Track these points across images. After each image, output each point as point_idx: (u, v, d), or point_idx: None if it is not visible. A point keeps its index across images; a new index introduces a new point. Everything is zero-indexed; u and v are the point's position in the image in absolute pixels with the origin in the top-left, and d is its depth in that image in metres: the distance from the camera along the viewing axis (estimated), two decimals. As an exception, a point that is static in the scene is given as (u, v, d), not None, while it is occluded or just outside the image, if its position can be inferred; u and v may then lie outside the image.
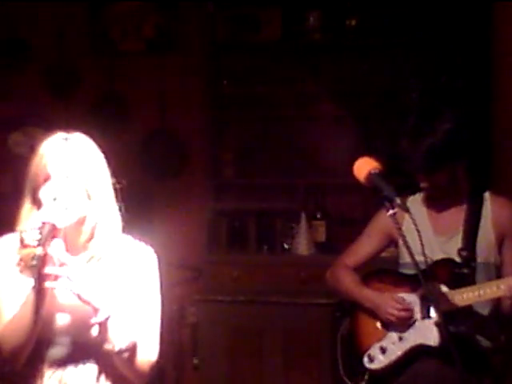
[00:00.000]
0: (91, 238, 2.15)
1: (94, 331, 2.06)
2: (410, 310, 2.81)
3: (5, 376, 2.15)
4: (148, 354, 2.16)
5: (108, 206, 2.17)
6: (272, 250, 4.72)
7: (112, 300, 2.07)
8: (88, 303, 2.01)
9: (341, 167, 4.17)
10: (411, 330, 2.81)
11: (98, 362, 2.13)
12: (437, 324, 2.71)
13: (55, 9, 4.86)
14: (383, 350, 2.85)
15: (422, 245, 2.32)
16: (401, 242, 2.89)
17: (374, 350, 2.88)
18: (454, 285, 2.71)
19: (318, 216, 4.65)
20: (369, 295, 2.92)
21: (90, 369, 2.13)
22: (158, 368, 4.56)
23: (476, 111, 4.22)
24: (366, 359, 2.89)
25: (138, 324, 2.12)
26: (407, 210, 2.33)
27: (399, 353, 2.82)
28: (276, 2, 4.72)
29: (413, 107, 4.42)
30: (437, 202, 2.89)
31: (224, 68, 4.83)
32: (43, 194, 2.08)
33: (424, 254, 2.36)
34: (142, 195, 4.79)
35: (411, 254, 2.25)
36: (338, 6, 4.65)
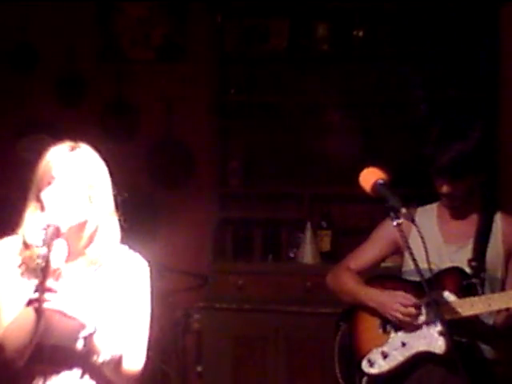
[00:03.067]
0: (89, 243, 2.21)
1: (79, 343, 2.11)
2: (417, 307, 2.77)
3: (4, 376, 2.18)
4: (134, 364, 2.20)
5: (108, 214, 2.23)
6: (277, 259, 4.73)
7: (101, 310, 2.13)
8: (74, 319, 2.05)
9: (347, 177, 4.17)
10: (415, 337, 2.80)
11: (83, 368, 2.16)
12: (441, 332, 2.72)
13: (65, 17, 4.90)
14: (384, 355, 2.82)
15: (426, 254, 2.33)
16: (406, 251, 2.90)
17: (375, 355, 2.85)
18: (462, 294, 2.70)
19: (324, 225, 4.66)
20: (373, 294, 2.89)
21: (74, 373, 2.16)
22: (162, 374, 4.58)
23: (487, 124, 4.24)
24: (364, 363, 2.86)
25: (125, 334, 2.17)
26: (412, 220, 2.33)
27: (401, 358, 2.79)
28: (284, 13, 4.75)
29: (423, 118, 4.47)
30: (449, 212, 2.89)
31: (231, 77, 4.86)
32: (46, 196, 2.14)
33: (429, 264, 2.37)
34: (148, 203, 4.82)
35: (416, 264, 2.27)
36: (346, 18, 4.67)
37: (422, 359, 2.77)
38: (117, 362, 2.12)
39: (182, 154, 4.91)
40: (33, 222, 2.15)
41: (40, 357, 2.14)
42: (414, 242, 2.41)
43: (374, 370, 2.85)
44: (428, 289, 2.31)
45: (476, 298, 2.69)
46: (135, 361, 2.21)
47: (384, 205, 2.34)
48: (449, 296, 2.73)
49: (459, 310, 2.68)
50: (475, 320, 2.73)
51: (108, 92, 4.92)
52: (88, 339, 2.08)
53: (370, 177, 2.43)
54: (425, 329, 2.78)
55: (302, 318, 4.29)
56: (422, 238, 2.31)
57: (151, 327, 2.28)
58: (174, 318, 4.61)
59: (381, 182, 2.40)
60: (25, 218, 2.19)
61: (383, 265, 3.59)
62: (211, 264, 4.60)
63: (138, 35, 4.92)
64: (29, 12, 4.89)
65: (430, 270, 2.44)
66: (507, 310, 2.64)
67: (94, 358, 2.09)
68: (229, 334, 4.37)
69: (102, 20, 4.95)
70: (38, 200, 2.17)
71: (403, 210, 2.29)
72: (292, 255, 4.70)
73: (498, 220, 2.85)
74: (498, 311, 2.70)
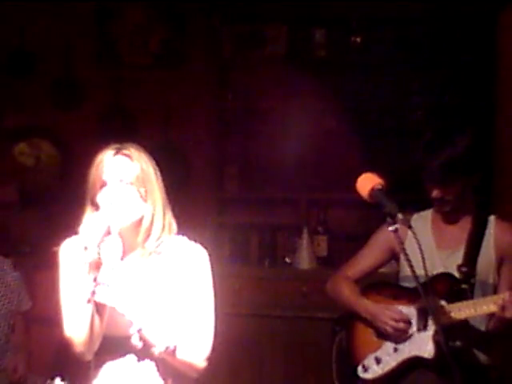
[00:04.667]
0: (147, 237, 2.31)
1: (134, 338, 2.21)
2: (407, 322, 2.83)
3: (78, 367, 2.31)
4: (200, 354, 2.30)
5: (162, 207, 2.35)
6: (274, 264, 4.74)
7: (158, 302, 2.24)
8: (122, 315, 2.16)
9: (343, 182, 4.19)
10: (407, 342, 2.83)
11: (143, 356, 2.26)
12: (434, 337, 2.74)
13: (63, 22, 4.91)
14: (378, 361, 2.87)
15: (423, 259, 2.35)
16: (402, 256, 2.92)
17: (369, 361, 2.90)
18: (452, 299, 2.73)
19: (320, 231, 4.68)
20: (367, 305, 2.94)
21: (146, 364, 2.27)
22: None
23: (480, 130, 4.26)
24: (360, 369, 2.91)
25: (189, 324, 2.27)
26: (409, 226, 2.35)
27: (393, 364, 2.84)
28: (282, 19, 4.77)
29: (419, 124, 4.49)
30: (442, 217, 2.92)
31: (229, 83, 4.87)
32: (100, 199, 2.25)
33: (425, 269, 2.38)
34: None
35: (412, 268, 2.28)
36: (343, 24, 4.70)
37: (414, 364, 2.81)
38: (173, 353, 2.21)
39: (180, 159, 4.92)
40: (86, 223, 2.24)
41: (107, 348, 2.25)
42: (410, 248, 2.43)
43: (368, 376, 2.90)
44: (424, 294, 2.33)
45: (463, 303, 2.72)
46: (201, 351, 2.30)
47: (381, 210, 2.36)
48: (439, 301, 2.76)
49: (448, 315, 2.71)
50: (467, 325, 2.75)
51: (106, 97, 4.93)
52: (139, 334, 2.19)
53: (367, 182, 2.45)
54: (416, 334, 2.81)
55: (298, 323, 4.30)
56: (418, 243, 2.33)
57: (216, 316, 2.36)
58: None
59: (377, 187, 2.42)
60: (83, 221, 2.28)
61: (380, 271, 3.61)
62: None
63: (136, 41, 4.94)
64: (27, 17, 4.90)
65: (426, 275, 2.46)
66: (498, 313, 2.66)
67: (151, 350, 2.20)
68: (225, 338, 4.36)
69: (100, 25, 4.95)
70: (94, 204, 2.28)
71: (400, 216, 2.31)
72: (288, 260, 4.72)
73: (492, 225, 2.87)
74: (490, 317, 2.73)
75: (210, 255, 2.39)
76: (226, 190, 4.86)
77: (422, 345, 2.77)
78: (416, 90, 4.69)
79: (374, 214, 2.99)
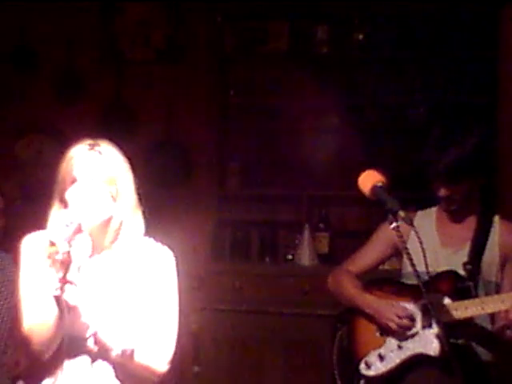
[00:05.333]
0: (115, 238, 2.26)
1: (89, 341, 2.17)
2: (411, 319, 2.82)
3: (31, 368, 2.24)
4: (161, 358, 2.24)
5: (132, 208, 2.29)
6: (275, 261, 4.74)
7: (119, 304, 2.18)
8: (80, 316, 2.12)
9: (345, 179, 4.19)
10: (411, 339, 2.83)
11: (107, 360, 2.21)
12: (437, 335, 2.74)
13: (65, 17, 4.91)
14: (381, 358, 2.86)
15: (424, 257, 2.34)
16: (404, 253, 2.92)
17: (372, 357, 2.88)
18: (457, 297, 2.72)
19: (322, 227, 4.67)
20: (370, 301, 2.92)
21: (102, 366, 2.20)
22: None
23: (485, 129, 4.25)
24: (362, 366, 2.88)
25: (152, 325, 2.22)
26: (411, 223, 2.35)
27: (397, 360, 2.82)
28: (284, 15, 4.76)
29: (421, 122, 4.49)
30: (447, 216, 2.91)
31: (231, 79, 4.87)
32: (69, 195, 2.20)
33: (427, 266, 2.38)
34: (147, 203, 4.82)
35: (413, 266, 2.28)
36: (346, 20, 4.69)
37: (418, 361, 2.79)
38: (130, 356, 2.16)
39: (181, 156, 4.92)
40: (56, 219, 2.20)
41: (62, 347, 2.18)
42: (413, 245, 2.43)
43: (371, 373, 2.88)
44: (426, 292, 2.32)
45: (470, 301, 2.71)
46: (162, 354, 2.24)
47: (382, 208, 2.36)
48: (443, 299, 2.75)
49: (453, 312, 2.71)
50: (471, 323, 2.75)
51: (107, 93, 4.92)
52: (94, 337, 2.15)
53: (369, 179, 2.45)
54: (420, 331, 2.81)
55: (299, 320, 4.30)
56: (420, 241, 2.33)
57: (180, 321, 2.31)
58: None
59: (379, 184, 2.41)
60: (49, 216, 2.25)
61: (382, 267, 3.60)
62: (209, 265, 4.61)
63: (138, 36, 4.93)
64: (29, 13, 4.90)
65: (428, 272, 2.46)
66: (504, 313, 2.65)
67: (108, 353, 2.15)
68: (226, 334, 4.38)
69: (102, 21, 4.95)
70: (62, 199, 2.23)
71: (401, 213, 2.31)
72: (290, 257, 4.71)
73: (496, 224, 2.86)
74: (493, 319, 2.72)
75: (176, 257, 2.35)
76: (228, 186, 4.86)
77: (427, 342, 2.77)
78: (418, 87, 4.68)
79: (375, 212, 3.00)
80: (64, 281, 2.05)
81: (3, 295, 3.56)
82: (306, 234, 4.60)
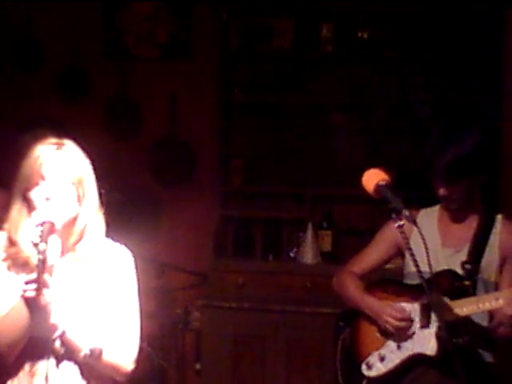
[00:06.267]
0: (79, 239, 2.25)
1: (56, 342, 2.16)
2: (409, 320, 2.82)
3: None
4: (126, 357, 2.26)
5: (95, 209, 2.28)
6: (278, 258, 4.74)
7: (83, 305, 2.19)
8: (47, 317, 2.11)
9: (349, 177, 4.19)
10: (410, 340, 2.83)
11: (74, 363, 2.21)
12: (437, 334, 2.74)
13: (70, 14, 4.91)
14: (382, 358, 2.87)
15: (427, 256, 2.34)
16: (407, 253, 2.91)
17: (373, 358, 2.90)
18: (455, 296, 2.71)
19: (325, 225, 4.67)
20: (370, 303, 2.94)
21: (69, 366, 2.20)
22: (161, 371, 4.60)
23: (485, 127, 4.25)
24: (364, 367, 2.91)
25: (114, 326, 2.23)
26: (414, 222, 2.35)
27: (397, 361, 2.84)
28: (289, 13, 4.75)
29: (425, 120, 4.48)
30: (449, 215, 2.90)
31: (235, 76, 4.86)
32: (37, 194, 2.17)
33: (430, 265, 2.38)
34: (150, 201, 4.83)
35: (416, 265, 2.29)
36: (351, 19, 4.68)
37: (417, 361, 2.80)
38: (98, 356, 2.17)
39: (185, 152, 4.92)
40: (19, 219, 2.19)
41: (26, 348, 2.16)
42: (415, 244, 2.43)
43: (372, 373, 2.90)
44: (429, 291, 2.32)
45: (466, 300, 2.70)
46: (127, 353, 2.26)
47: (386, 206, 2.36)
48: (442, 298, 2.75)
49: (451, 311, 2.70)
50: (470, 322, 2.74)
51: (112, 89, 4.92)
52: (61, 338, 2.15)
53: (373, 178, 2.45)
54: (419, 331, 2.81)
55: (301, 318, 4.30)
56: (423, 239, 2.33)
57: (141, 320, 2.32)
58: (173, 316, 4.63)
59: (383, 183, 2.42)
60: (11, 216, 2.22)
61: (386, 266, 3.60)
62: (212, 262, 4.61)
63: (142, 33, 4.93)
64: (34, 8, 4.90)
65: (431, 272, 2.46)
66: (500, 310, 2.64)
67: (75, 354, 2.16)
68: (228, 332, 4.38)
69: (107, 17, 4.95)
70: (25, 199, 2.20)
71: (405, 212, 2.31)
72: (292, 255, 4.71)
73: (498, 224, 2.85)
74: (491, 314, 2.70)
75: (134, 257, 2.35)
76: (231, 183, 4.86)
77: (425, 342, 2.77)
78: (422, 86, 4.67)
79: (378, 210, 3.00)
80: (39, 281, 2.02)
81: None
82: (310, 231, 4.59)
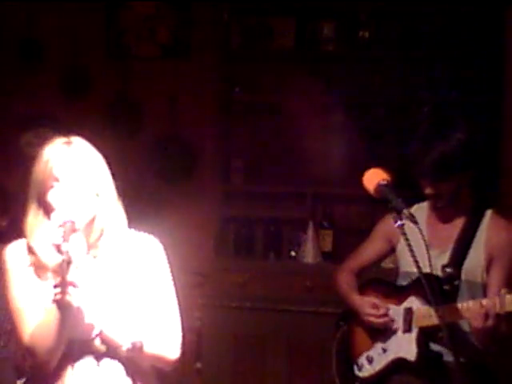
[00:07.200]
0: (101, 235, 2.22)
1: (97, 341, 2.15)
2: (387, 318, 2.83)
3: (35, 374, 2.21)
4: (171, 341, 2.23)
5: (114, 203, 2.25)
6: (279, 258, 4.74)
7: (117, 300, 2.17)
8: (83, 318, 2.10)
9: (349, 177, 4.19)
10: (394, 343, 2.83)
11: (117, 360, 2.19)
12: (417, 339, 2.72)
13: (71, 12, 4.91)
14: (369, 360, 2.90)
15: (428, 254, 2.36)
16: (398, 250, 2.93)
17: (362, 359, 2.92)
18: (434, 301, 2.54)
19: (326, 225, 4.67)
20: (354, 300, 2.96)
21: (111, 365, 2.19)
22: (159, 371, 4.59)
23: (486, 126, 4.25)
24: (355, 367, 2.94)
25: (155, 315, 2.21)
26: (415, 222, 2.33)
27: (383, 363, 2.85)
28: (290, 12, 4.75)
29: (425, 118, 4.46)
30: (436, 214, 2.86)
31: (236, 76, 4.86)
32: (53, 196, 2.14)
33: (430, 265, 2.38)
34: (150, 200, 4.83)
35: (417, 263, 2.29)
36: (352, 18, 4.68)
37: (399, 365, 2.80)
38: (140, 349, 2.14)
39: (186, 152, 4.92)
40: (38, 224, 2.16)
41: (67, 351, 2.15)
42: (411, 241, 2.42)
43: (362, 374, 2.93)
44: (432, 294, 2.31)
45: (449, 306, 2.64)
46: (171, 342, 2.24)
47: (386, 206, 2.36)
48: (419, 303, 2.75)
49: (427, 317, 2.68)
50: (451, 327, 2.67)
51: (113, 88, 4.93)
52: (100, 337, 2.14)
53: (374, 178, 2.45)
54: (402, 336, 2.81)
55: (302, 317, 4.30)
56: (424, 239, 2.33)
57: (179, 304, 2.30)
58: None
59: (384, 183, 2.41)
60: (27, 222, 2.19)
61: (385, 266, 3.61)
62: (212, 261, 4.61)
63: (143, 32, 4.93)
64: (35, 7, 4.90)
65: (420, 271, 2.44)
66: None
67: (117, 350, 2.14)
68: (229, 331, 4.38)
69: (108, 16, 4.95)
70: (41, 203, 2.17)
71: (406, 212, 2.30)
72: (293, 254, 4.71)
73: (486, 219, 2.79)
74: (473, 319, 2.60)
75: (163, 245, 2.35)
76: (232, 183, 4.86)
77: (407, 346, 2.77)
78: (424, 86, 4.67)
79: (379, 210, 2.99)
80: (65, 283, 2.01)
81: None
82: (310, 231, 4.59)
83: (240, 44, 4.81)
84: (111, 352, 2.15)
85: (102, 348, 2.15)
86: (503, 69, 4.41)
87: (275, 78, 4.82)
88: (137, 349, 2.13)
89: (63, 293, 2.00)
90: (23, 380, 2.74)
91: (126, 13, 4.94)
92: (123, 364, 2.18)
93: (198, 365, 4.59)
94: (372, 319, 2.86)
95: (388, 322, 2.84)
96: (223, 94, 4.79)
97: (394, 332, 2.83)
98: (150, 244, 2.32)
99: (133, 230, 2.32)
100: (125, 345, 2.13)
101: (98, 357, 2.16)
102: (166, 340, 2.22)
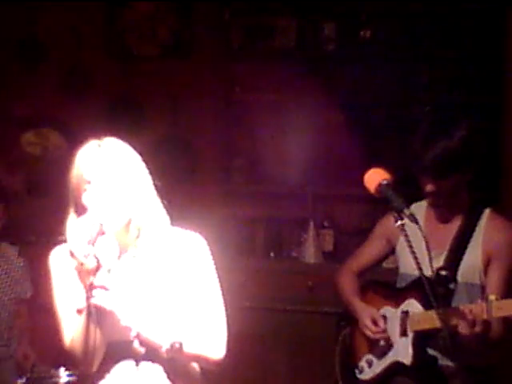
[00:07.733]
0: (139, 235, 2.21)
1: (135, 343, 2.13)
2: (383, 333, 2.83)
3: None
4: (216, 342, 2.22)
5: (151, 202, 2.25)
6: (279, 258, 4.74)
7: (158, 299, 2.15)
8: (119, 320, 2.08)
9: (350, 177, 4.18)
10: (391, 347, 2.83)
11: (158, 363, 2.18)
12: (413, 343, 2.72)
13: (72, 12, 4.91)
14: (369, 363, 2.90)
15: (429, 254, 2.35)
16: (397, 250, 2.93)
17: (363, 362, 2.92)
18: (429, 304, 2.54)
19: (326, 225, 4.68)
20: (356, 306, 2.96)
21: (151, 368, 2.18)
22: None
23: (486, 126, 4.25)
24: (357, 370, 2.94)
25: (199, 314, 2.19)
26: (416, 222, 2.33)
27: (381, 367, 2.85)
28: (291, 12, 4.75)
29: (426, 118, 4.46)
30: (435, 215, 2.85)
31: (237, 75, 4.86)
32: (86, 199, 2.14)
33: (431, 265, 2.38)
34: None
35: (417, 262, 2.28)
36: (353, 18, 4.68)
37: (396, 369, 2.80)
38: (179, 350, 2.11)
39: (186, 151, 4.92)
40: (75, 227, 2.16)
41: (108, 354, 2.15)
42: (404, 245, 2.41)
43: (363, 377, 2.93)
44: (434, 297, 2.30)
45: (428, 313, 2.64)
46: (215, 342, 2.22)
47: (387, 205, 2.36)
48: (416, 307, 2.75)
49: (422, 321, 2.69)
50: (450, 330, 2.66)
51: (114, 87, 4.92)
52: (139, 338, 2.12)
53: (375, 177, 2.44)
54: (399, 340, 2.80)
55: (303, 317, 4.30)
56: (425, 239, 2.33)
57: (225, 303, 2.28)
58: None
59: (385, 182, 2.41)
60: (67, 227, 2.19)
61: (386, 266, 3.60)
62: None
63: (144, 31, 4.93)
64: (37, 6, 4.90)
65: (421, 272, 2.43)
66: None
67: (157, 351, 2.12)
68: (229, 331, 4.37)
69: (109, 15, 4.95)
70: (78, 206, 2.17)
71: (407, 211, 2.30)
72: (294, 254, 4.72)
73: (484, 218, 2.78)
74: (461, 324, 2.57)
75: (208, 243, 2.33)
76: (233, 183, 4.86)
77: (403, 350, 2.77)
78: (424, 85, 4.67)
79: (380, 209, 2.99)
80: (93, 286, 2.01)
81: (5, 286, 3.57)
82: (311, 231, 4.60)
83: (241, 44, 4.81)
84: (151, 354, 2.13)
85: (141, 350, 2.13)
86: (503, 69, 4.41)
87: (275, 77, 4.82)
88: (176, 350, 2.10)
89: (90, 297, 2.01)
90: (23, 380, 2.76)
91: (127, 12, 4.93)
92: (164, 367, 2.17)
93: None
94: (368, 333, 2.86)
95: (383, 339, 2.84)
96: (224, 93, 4.79)
97: (391, 346, 2.83)
98: (194, 242, 2.30)
99: (177, 228, 2.31)
100: (164, 346, 2.11)
101: (138, 359, 2.15)
102: (210, 340, 2.19)
